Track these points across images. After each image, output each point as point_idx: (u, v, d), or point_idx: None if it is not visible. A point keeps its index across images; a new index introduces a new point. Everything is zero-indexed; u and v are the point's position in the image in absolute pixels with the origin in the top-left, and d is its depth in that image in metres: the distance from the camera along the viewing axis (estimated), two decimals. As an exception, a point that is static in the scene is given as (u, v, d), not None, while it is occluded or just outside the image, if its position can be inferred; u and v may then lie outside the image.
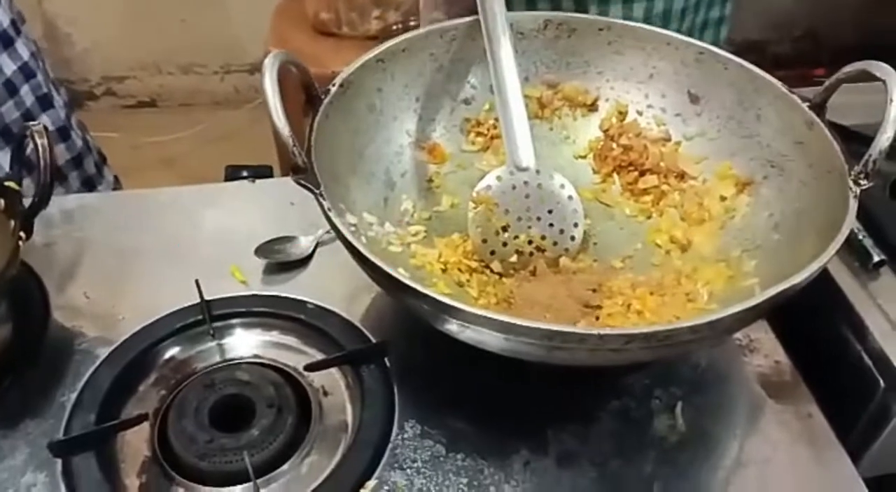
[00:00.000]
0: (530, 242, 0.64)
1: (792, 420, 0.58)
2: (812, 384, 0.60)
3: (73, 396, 0.58)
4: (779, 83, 0.62)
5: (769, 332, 0.64)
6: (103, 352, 0.61)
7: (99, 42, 2.13)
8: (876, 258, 0.63)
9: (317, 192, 0.52)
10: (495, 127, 0.70)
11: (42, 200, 0.61)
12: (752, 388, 0.60)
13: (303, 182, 0.52)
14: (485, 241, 0.63)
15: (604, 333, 0.45)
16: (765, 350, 0.62)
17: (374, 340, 0.62)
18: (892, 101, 0.52)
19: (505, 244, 0.64)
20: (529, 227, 0.64)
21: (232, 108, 2.17)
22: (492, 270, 0.63)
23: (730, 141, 0.66)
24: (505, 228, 0.64)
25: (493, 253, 0.64)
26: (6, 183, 0.62)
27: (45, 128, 0.60)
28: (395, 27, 1.70)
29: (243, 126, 2.06)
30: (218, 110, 2.19)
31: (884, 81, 0.53)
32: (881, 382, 0.58)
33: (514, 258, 0.64)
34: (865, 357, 0.59)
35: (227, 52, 2.18)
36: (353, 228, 0.58)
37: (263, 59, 0.53)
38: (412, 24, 1.71)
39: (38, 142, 0.60)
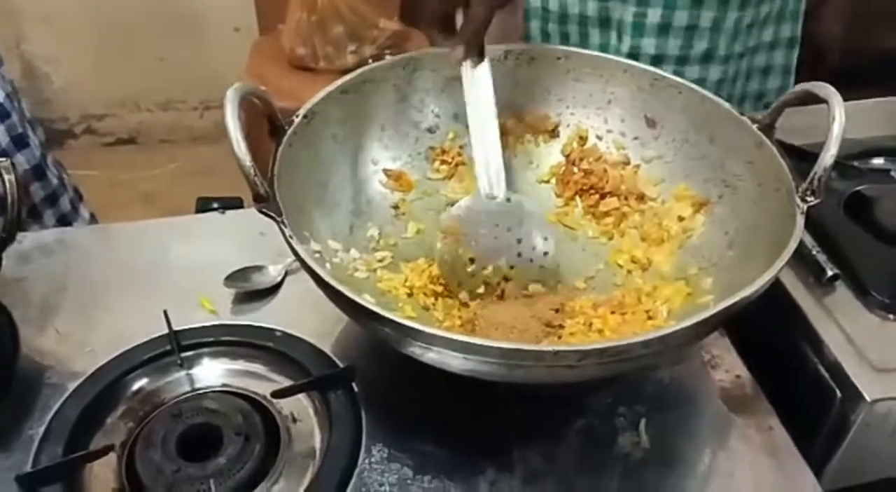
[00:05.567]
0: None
1: (753, 433, 0.59)
2: (773, 398, 0.61)
3: (41, 429, 0.58)
4: (728, 105, 0.64)
5: (730, 348, 0.65)
6: (72, 385, 0.61)
7: (77, 81, 2.15)
8: (829, 273, 0.64)
9: (278, 219, 0.53)
10: (460, 154, 0.72)
11: (10, 235, 0.62)
12: (715, 403, 0.61)
13: (265, 210, 0.53)
14: (452, 273, 0.64)
15: (558, 349, 0.46)
16: (726, 365, 0.64)
17: (341, 366, 0.62)
18: (834, 119, 0.54)
19: (473, 275, 0.64)
20: (498, 257, 0.64)
21: (210, 143, 2.18)
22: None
23: (685, 163, 0.68)
24: (472, 260, 0.64)
25: (460, 284, 0.64)
26: (-25, 219, 0.62)
27: (13, 164, 0.61)
28: (370, 61, 1.73)
29: (221, 161, 2.04)
30: (196, 146, 2.20)
31: (826, 102, 0.55)
32: (838, 393, 0.59)
33: (481, 289, 0.64)
34: (822, 369, 0.60)
35: (206, 89, 2.20)
36: (317, 255, 0.59)
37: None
38: (387, 57, 1.73)
39: (6, 177, 0.60)
